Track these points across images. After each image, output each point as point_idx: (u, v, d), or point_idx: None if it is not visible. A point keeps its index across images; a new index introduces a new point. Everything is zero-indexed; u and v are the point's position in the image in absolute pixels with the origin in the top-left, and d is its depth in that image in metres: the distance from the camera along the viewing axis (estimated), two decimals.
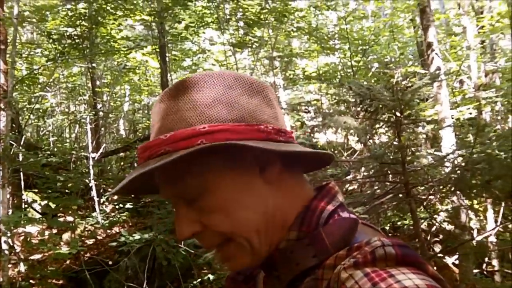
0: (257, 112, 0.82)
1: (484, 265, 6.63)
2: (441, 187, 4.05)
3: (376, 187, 4.45)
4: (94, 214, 8.76)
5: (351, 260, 0.71)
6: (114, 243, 7.70)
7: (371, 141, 7.37)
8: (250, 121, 0.80)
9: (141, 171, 0.76)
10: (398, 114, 3.53)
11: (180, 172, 0.80)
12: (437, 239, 6.95)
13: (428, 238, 6.69)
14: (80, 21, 9.06)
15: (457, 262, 6.34)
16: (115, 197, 10.28)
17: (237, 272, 0.97)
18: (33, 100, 10.64)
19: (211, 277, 7.07)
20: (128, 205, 9.24)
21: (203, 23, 10.42)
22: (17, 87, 9.62)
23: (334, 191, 0.87)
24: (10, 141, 7.38)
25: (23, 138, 9.23)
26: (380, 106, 3.49)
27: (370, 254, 0.70)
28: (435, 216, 5.88)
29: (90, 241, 8.33)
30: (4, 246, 6.47)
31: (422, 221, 5.67)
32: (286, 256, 0.81)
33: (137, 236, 7.62)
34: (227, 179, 0.80)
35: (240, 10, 10.15)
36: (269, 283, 0.87)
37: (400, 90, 3.41)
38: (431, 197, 4.24)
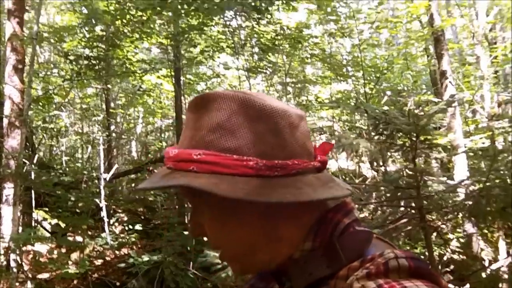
0: (256, 143, 0.81)
1: None
2: (455, 213, 4.02)
3: (387, 213, 4.41)
4: (103, 234, 8.75)
5: (364, 271, 0.71)
6: (123, 264, 7.68)
7: (383, 168, 7.34)
8: (246, 152, 0.80)
9: (147, 186, 0.87)
10: (413, 138, 3.52)
11: (183, 189, 0.88)
12: (448, 269, 6.85)
13: (440, 267, 6.60)
14: (97, 42, 9.19)
15: None
16: (125, 218, 10.29)
17: (251, 285, 0.98)
18: (47, 119, 10.75)
19: None
20: (137, 227, 9.23)
21: (218, 48, 10.53)
22: (32, 106, 9.73)
23: (350, 206, 0.87)
24: (23, 159, 7.43)
25: (36, 157, 9.28)
26: (395, 130, 3.49)
27: (383, 265, 0.70)
28: (447, 244, 5.82)
29: (98, 262, 8.31)
30: (13, 264, 6.47)
31: (435, 249, 5.60)
32: (300, 266, 0.82)
33: (145, 258, 7.59)
34: (217, 205, 0.84)
35: (255, 36, 10.25)
36: None
37: (416, 115, 3.41)
38: (444, 225, 4.20)
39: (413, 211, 3.81)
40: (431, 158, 3.96)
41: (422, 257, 6.61)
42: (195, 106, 0.87)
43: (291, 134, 0.84)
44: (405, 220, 3.80)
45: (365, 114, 3.56)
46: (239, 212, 0.82)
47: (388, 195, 3.92)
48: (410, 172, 3.89)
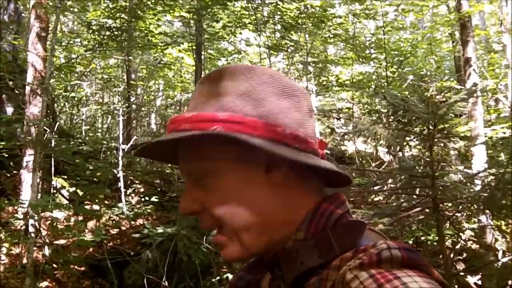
0: (281, 115, 0.83)
1: None
2: (469, 205, 3.99)
3: (402, 200, 4.40)
4: (120, 204, 8.84)
5: (357, 261, 0.71)
6: (137, 235, 7.78)
7: (400, 153, 7.30)
8: (272, 121, 0.82)
9: (153, 141, 0.84)
10: (431, 127, 3.49)
11: (193, 151, 0.84)
12: (460, 257, 6.83)
13: (452, 255, 6.58)
14: (120, 13, 9.18)
15: (479, 282, 6.22)
16: (142, 189, 10.40)
17: (239, 277, 0.98)
18: (69, 88, 10.82)
19: (230, 276, 7.08)
20: (153, 198, 9.32)
21: (241, 24, 10.46)
22: (54, 74, 9.79)
23: (343, 198, 0.88)
24: (44, 127, 7.51)
25: (57, 125, 9.38)
26: (414, 118, 3.46)
27: (375, 256, 0.70)
28: (460, 234, 5.78)
29: (114, 231, 8.41)
30: (31, 229, 6.58)
31: (447, 238, 5.58)
32: (292, 256, 0.82)
33: (160, 230, 7.67)
34: (233, 170, 0.83)
35: (278, 13, 10.16)
36: (274, 286, 0.87)
37: (435, 104, 3.37)
38: (458, 214, 4.17)
39: (426, 200, 3.79)
40: (448, 147, 3.92)
41: (435, 243, 6.61)
42: (219, 76, 0.87)
43: (309, 116, 0.88)
44: (418, 209, 3.79)
45: (384, 100, 3.54)
46: (256, 180, 0.83)
47: (403, 182, 3.91)
48: (428, 160, 3.86)
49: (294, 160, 0.79)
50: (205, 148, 0.83)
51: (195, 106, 0.86)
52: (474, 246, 6.40)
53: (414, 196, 3.99)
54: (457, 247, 6.49)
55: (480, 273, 5.61)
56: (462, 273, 5.76)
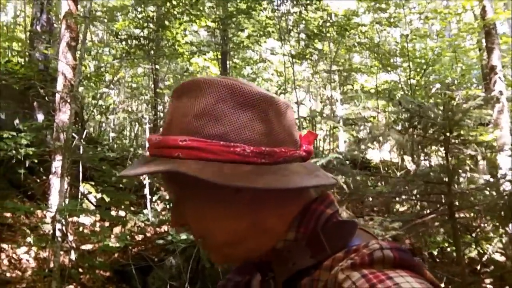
0: (243, 129, 0.80)
1: None
2: (489, 212, 3.93)
3: (419, 207, 4.36)
4: (145, 211, 8.92)
5: (349, 261, 0.71)
6: (161, 241, 7.84)
7: (423, 161, 7.23)
8: (233, 139, 0.79)
9: (130, 173, 0.83)
10: (447, 133, 3.47)
11: (166, 177, 0.88)
12: (487, 269, 6.68)
13: (479, 267, 6.45)
14: (148, 23, 9.35)
15: None
16: (167, 196, 10.50)
17: (228, 279, 0.99)
18: (97, 96, 11.03)
19: None
20: None
21: (265, 33, 10.54)
22: (84, 82, 9.99)
23: (331, 198, 0.88)
24: (73, 134, 7.65)
25: (85, 132, 9.55)
26: (429, 124, 3.44)
27: (368, 256, 0.70)
28: (485, 243, 5.68)
29: (138, 237, 8.50)
30: (58, 233, 6.69)
31: (464, 246, 5.47)
32: (283, 256, 0.82)
33: (183, 236, 7.72)
34: (202, 194, 0.83)
35: (303, 22, 10.21)
36: (265, 287, 0.87)
37: (450, 110, 3.35)
38: (476, 222, 4.11)
39: (442, 207, 3.75)
40: (465, 154, 3.87)
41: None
42: (181, 92, 0.86)
43: (278, 122, 0.84)
44: (433, 215, 3.75)
45: (399, 106, 3.54)
46: (225, 200, 0.82)
47: (419, 189, 3.87)
48: (443, 165, 3.83)
49: (244, 187, 0.78)
50: (174, 175, 0.82)
51: (165, 126, 0.87)
52: (502, 257, 6.27)
53: (431, 203, 3.95)
54: (484, 258, 6.35)
55: (507, 286, 5.48)
56: (489, 286, 5.65)
